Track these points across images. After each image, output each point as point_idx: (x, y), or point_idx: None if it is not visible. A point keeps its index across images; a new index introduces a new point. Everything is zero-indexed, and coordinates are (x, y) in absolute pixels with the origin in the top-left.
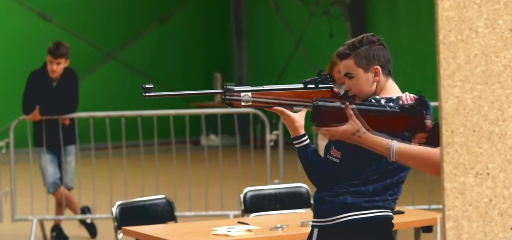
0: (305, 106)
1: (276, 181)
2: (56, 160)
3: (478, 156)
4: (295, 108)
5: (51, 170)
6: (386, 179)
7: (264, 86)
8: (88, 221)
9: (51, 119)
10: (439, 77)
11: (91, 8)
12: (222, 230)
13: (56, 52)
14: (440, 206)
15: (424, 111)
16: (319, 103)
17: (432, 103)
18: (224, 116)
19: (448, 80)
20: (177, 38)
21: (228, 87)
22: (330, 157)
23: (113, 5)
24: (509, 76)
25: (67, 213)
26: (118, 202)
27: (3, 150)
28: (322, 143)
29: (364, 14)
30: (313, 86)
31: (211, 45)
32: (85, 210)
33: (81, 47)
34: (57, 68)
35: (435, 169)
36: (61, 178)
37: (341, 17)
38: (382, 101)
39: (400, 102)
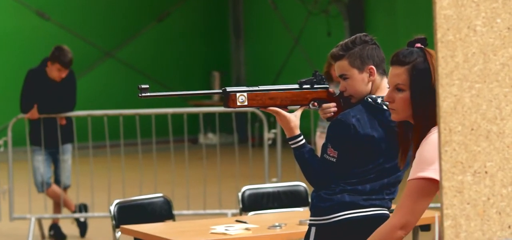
0: (301, 106)
1: (274, 179)
2: (49, 159)
3: (476, 155)
4: (290, 108)
5: (42, 170)
6: (383, 178)
7: (260, 86)
8: (82, 219)
9: (49, 118)
10: (437, 75)
11: (89, 6)
12: (220, 228)
13: (67, 61)
14: (438, 205)
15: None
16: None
17: None
18: (222, 114)
19: (446, 78)
20: (175, 36)
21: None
22: (327, 157)
23: (111, 3)
24: (507, 74)
25: (65, 212)
26: (116, 201)
27: (1, 149)
28: (320, 142)
29: (362, 12)
30: (308, 86)
31: (209, 44)
32: (82, 208)
33: (79, 45)
34: (65, 75)
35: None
36: (58, 179)
37: (339, 16)
38: (379, 100)
39: None
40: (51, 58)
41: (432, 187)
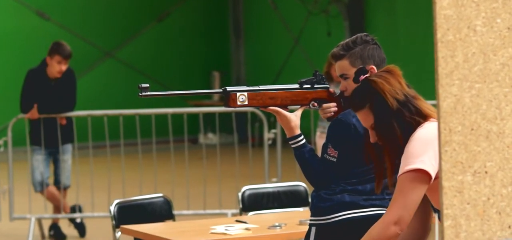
0: (301, 106)
1: (274, 179)
2: (49, 159)
3: (476, 155)
4: (290, 108)
5: (41, 170)
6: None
7: (260, 86)
8: (78, 220)
9: (49, 118)
10: (437, 75)
11: (89, 6)
12: (220, 228)
13: (66, 52)
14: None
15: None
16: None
17: (430, 102)
18: (222, 114)
19: (446, 78)
20: (175, 36)
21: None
22: (327, 157)
23: (111, 3)
24: (507, 74)
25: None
26: (116, 201)
27: (1, 149)
28: (320, 142)
29: (362, 12)
30: (309, 86)
31: (209, 44)
32: (76, 208)
33: (79, 45)
34: (65, 68)
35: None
36: (58, 179)
37: (339, 16)
38: None
39: None
40: (50, 52)
41: (421, 177)
